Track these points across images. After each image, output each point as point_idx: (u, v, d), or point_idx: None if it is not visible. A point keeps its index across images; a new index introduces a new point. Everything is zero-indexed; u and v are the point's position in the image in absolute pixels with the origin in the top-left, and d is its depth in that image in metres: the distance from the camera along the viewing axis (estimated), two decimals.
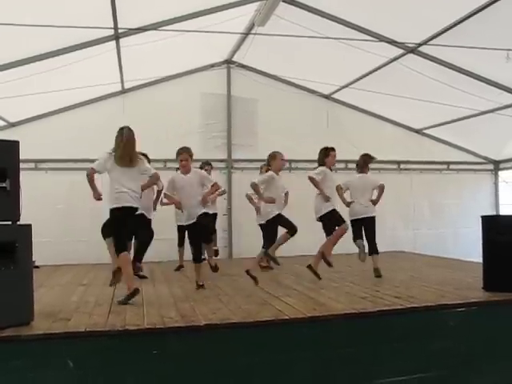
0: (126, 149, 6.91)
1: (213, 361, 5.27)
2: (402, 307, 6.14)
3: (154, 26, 9.05)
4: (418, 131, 14.17)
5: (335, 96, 13.37)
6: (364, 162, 9.19)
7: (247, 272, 8.18)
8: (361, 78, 11.63)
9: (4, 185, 5.40)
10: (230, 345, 5.39)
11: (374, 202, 8.96)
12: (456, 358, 5.98)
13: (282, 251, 10.90)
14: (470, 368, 6.03)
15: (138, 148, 10.88)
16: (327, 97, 13.45)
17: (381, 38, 9.59)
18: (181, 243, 10.07)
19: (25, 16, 7.40)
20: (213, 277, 8.58)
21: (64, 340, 5.08)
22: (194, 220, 7.71)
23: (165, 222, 10.08)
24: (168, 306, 6.39)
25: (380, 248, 9.16)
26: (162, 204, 9.12)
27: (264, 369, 5.37)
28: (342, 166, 11.21)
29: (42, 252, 7.85)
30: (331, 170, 8.85)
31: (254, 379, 5.38)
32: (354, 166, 10.74)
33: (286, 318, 5.70)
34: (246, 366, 5.33)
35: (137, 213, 7.14)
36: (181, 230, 9.66)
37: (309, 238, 9.99)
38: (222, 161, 12.67)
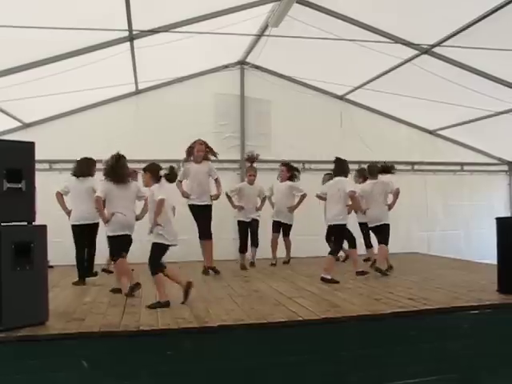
0: None
1: (226, 362, 5.29)
2: (415, 309, 6.13)
3: (168, 28, 9.08)
4: (431, 132, 14.10)
5: (349, 97, 13.33)
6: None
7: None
8: (375, 78, 11.59)
9: (20, 186, 5.45)
10: (244, 346, 5.41)
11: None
12: (470, 360, 5.96)
13: (295, 252, 10.99)
14: (484, 371, 6.01)
15: (148, 150, 11.08)
16: (341, 98, 13.41)
17: (395, 39, 9.57)
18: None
19: (40, 19, 7.47)
20: (226, 277, 8.60)
21: (78, 340, 5.12)
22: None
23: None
24: (182, 307, 6.41)
25: (393, 249, 9.23)
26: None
27: (277, 370, 5.37)
28: (356, 167, 11.15)
29: (56, 252, 7.87)
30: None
31: (267, 380, 5.39)
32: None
33: (300, 319, 5.71)
34: (260, 367, 5.34)
35: None
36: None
37: (320, 240, 10.03)
38: (235, 161, 12.65)
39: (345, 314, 5.91)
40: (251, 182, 10.52)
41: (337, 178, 8.71)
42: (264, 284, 8.16)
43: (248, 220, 10.40)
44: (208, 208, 9.46)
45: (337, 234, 8.71)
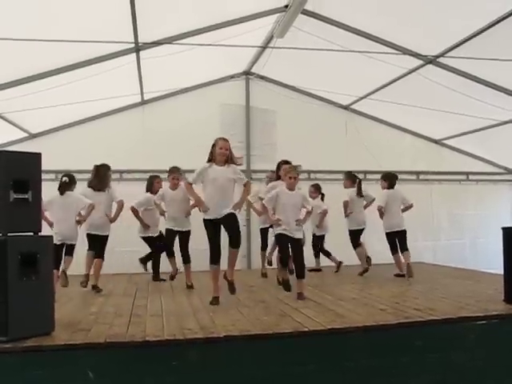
0: None
1: (232, 372, 5.27)
2: (421, 319, 6.09)
3: (174, 39, 9.13)
4: (437, 142, 14.11)
5: (354, 107, 13.36)
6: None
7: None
8: (380, 88, 11.62)
9: (26, 196, 5.47)
10: (250, 357, 5.39)
11: None
12: (476, 371, 5.92)
13: None
14: (490, 381, 5.97)
15: (153, 160, 11.13)
16: (346, 107, 13.44)
17: (399, 49, 9.60)
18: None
19: (48, 31, 7.53)
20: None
21: (84, 351, 5.11)
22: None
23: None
24: (187, 317, 6.40)
25: None
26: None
27: (283, 381, 5.36)
28: (361, 176, 11.16)
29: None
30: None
31: None
32: (372, 176, 10.90)
33: (306, 329, 5.68)
34: (266, 378, 5.32)
35: None
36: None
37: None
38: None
39: (351, 325, 5.88)
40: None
41: (395, 189, 10.17)
42: (269, 294, 8.15)
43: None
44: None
45: (404, 237, 10.11)
